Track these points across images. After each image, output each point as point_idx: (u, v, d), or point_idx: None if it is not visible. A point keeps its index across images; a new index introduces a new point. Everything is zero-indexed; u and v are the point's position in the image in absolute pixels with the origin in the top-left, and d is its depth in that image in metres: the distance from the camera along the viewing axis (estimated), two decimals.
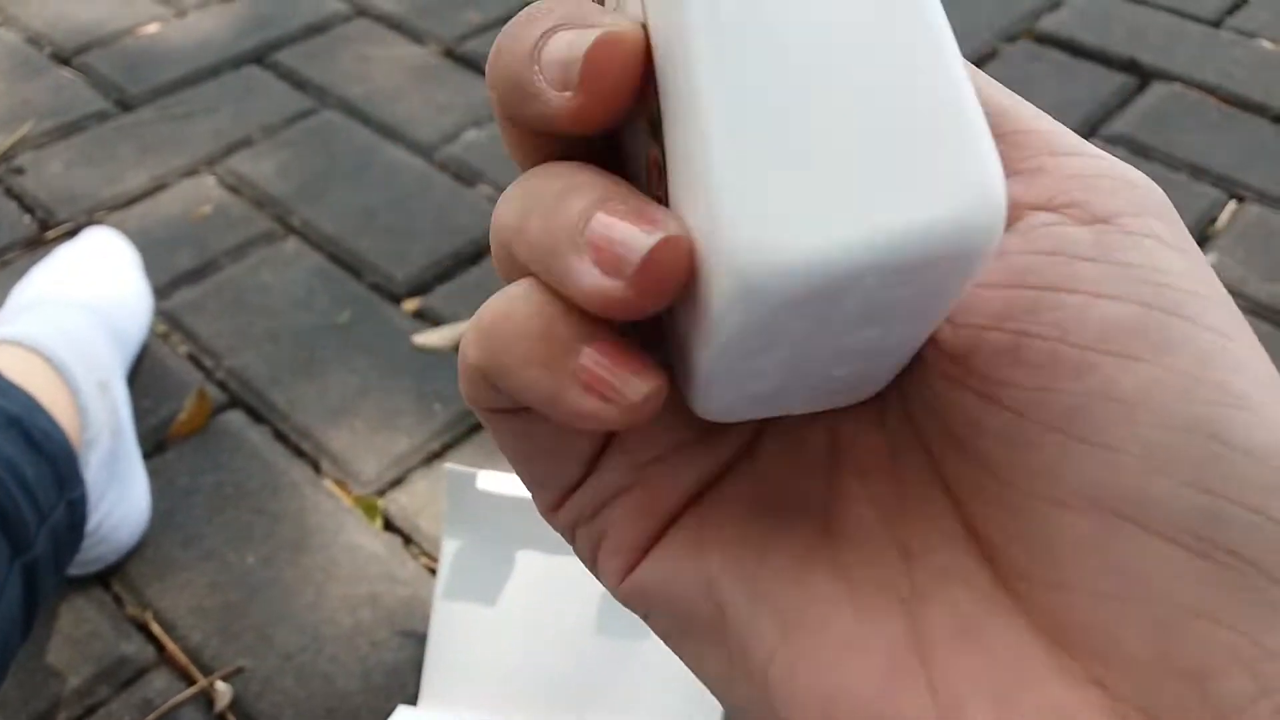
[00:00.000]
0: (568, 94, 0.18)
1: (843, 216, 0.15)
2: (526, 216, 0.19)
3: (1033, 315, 0.19)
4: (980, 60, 1.32)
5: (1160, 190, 0.20)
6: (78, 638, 0.74)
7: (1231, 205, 1.10)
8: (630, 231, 0.17)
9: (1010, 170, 0.20)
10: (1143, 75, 1.29)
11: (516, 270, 0.20)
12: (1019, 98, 0.21)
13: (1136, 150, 1.17)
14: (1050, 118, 0.21)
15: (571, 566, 0.67)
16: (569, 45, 0.18)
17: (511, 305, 0.19)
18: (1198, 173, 1.14)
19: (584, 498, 0.22)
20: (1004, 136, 0.20)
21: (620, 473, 0.22)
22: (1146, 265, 0.18)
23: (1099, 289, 0.18)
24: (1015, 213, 0.20)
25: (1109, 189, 0.19)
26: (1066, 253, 0.19)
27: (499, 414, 0.21)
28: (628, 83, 0.18)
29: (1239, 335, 0.18)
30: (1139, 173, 0.20)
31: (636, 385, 0.18)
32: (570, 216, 0.18)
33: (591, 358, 0.18)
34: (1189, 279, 0.18)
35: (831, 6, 0.16)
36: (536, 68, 0.18)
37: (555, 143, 0.20)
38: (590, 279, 0.17)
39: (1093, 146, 0.20)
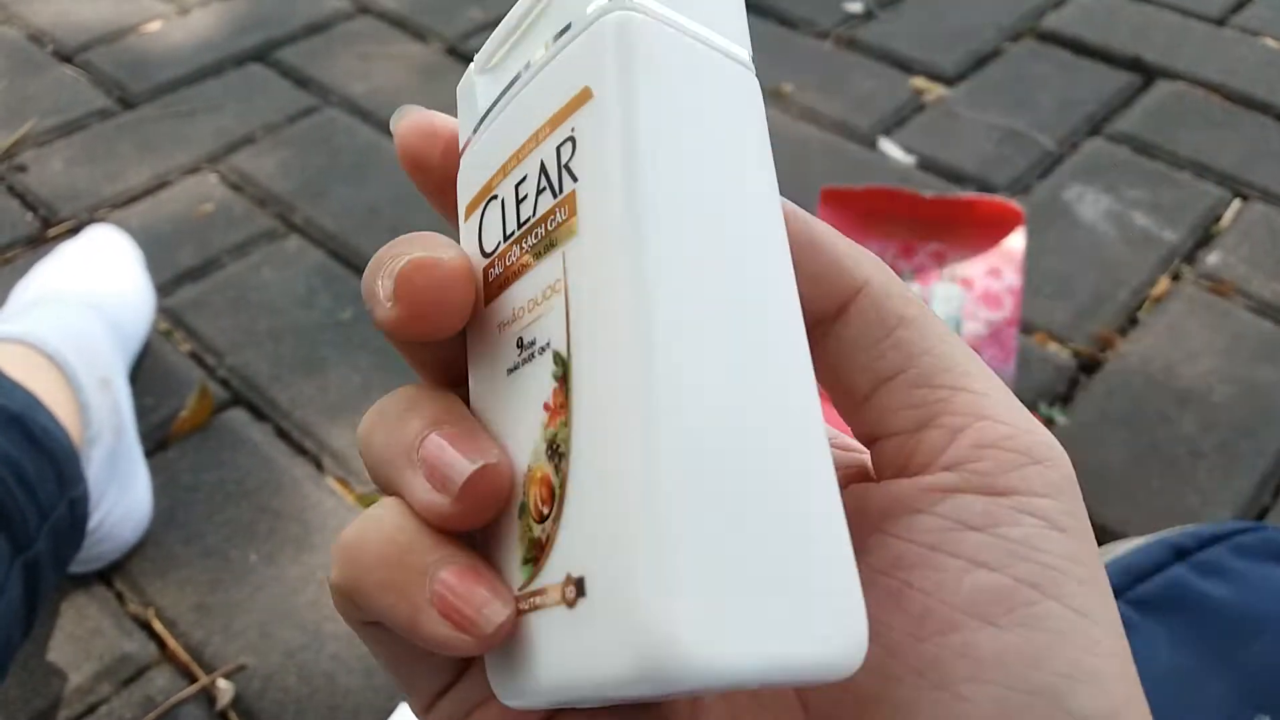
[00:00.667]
0: (388, 304, 0.21)
1: (744, 635, 0.18)
2: (373, 432, 0.22)
3: (918, 570, 0.21)
4: (983, 59, 1.32)
5: (1067, 465, 0.22)
6: (79, 635, 0.74)
7: (1236, 204, 1.10)
8: (455, 456, 0.20)
9: (936, 424, 0.22)
10: (1147, 74, 1.29)
11: (378, 479, 0.22)
12: (962, 351, 0.23)
13: (1140, 149, 1.17)
14: (989, 376, 0.23)
15: None
16: (393, 264, 0.21)
17: (367, 528, 0.21)
18: (1202, 171, 1.14)
19: (454, 703, 0.23)
20: (942, 391, 0.23)
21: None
22: (1026, 543, 0.21)
23: (978, 557, 0.21)
24: (928, 467, 0.22)
25: (1013, 464, 0.22)
26: (958, 519, 0.21)
27: (367, 625, 0.22)
28: (444, 303, 0.21)
29: (1101, 615, 0.20)
30: (1052, 447, 0.22)
31: (490, 615, 0.19)
32: (408, 436, 0.21)
33: (446, 585, 0.20)
34: (1064, 560, 0.21)
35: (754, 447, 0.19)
36: (378, 280, 0.21)
37: (427, 355, 0.23)
38: (423, 493, 0.20)
39: (1018, 413, 0.23)
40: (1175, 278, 1.02)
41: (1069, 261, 1.04)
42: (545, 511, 0.20)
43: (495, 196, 0.23)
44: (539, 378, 0.21)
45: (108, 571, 0.78)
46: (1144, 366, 0.93)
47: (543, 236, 0.21)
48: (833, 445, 0.25)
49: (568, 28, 0.21)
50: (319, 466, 0.86)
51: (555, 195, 0.21)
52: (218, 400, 0.90)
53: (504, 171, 0.23)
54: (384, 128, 1.21)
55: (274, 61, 1.32)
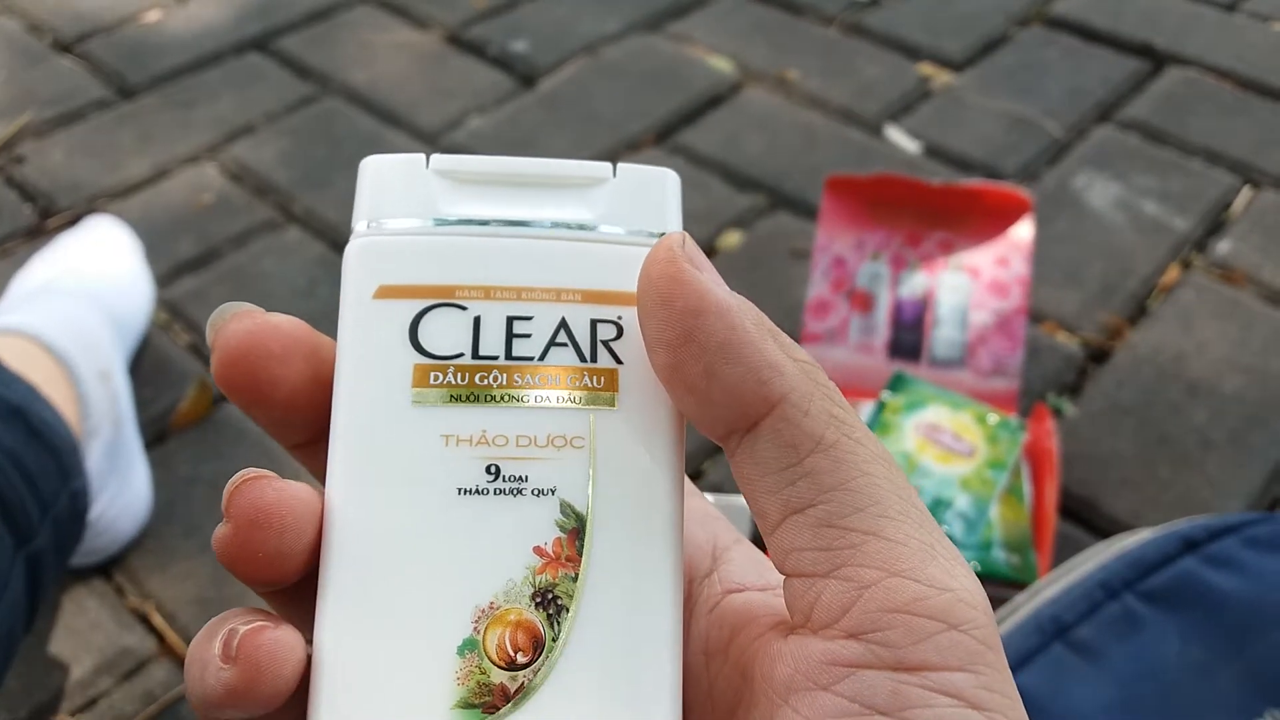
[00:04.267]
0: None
1: None
2: None
3: None
4: (991, 45, 1.30)
5: (990, 623, 0.21)
6: (79, 629, 0.73)
7: (1246, 191, 1.09)
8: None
9: (840, 574, 0.21)
10: (1157, 59, 1.27)
11: None
12: (888, 485, 0.21)
13: (1150, 136, 1.16)
14: (912, 516, 0.21)
15: None
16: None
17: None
18: (1213, 158, 1.12)
19: None
20: (851, 535, 0.21)
21: None
22: None
23: None
24: (829, 625, 0.21)
25: (925, 632, 0.20)
26: (863, 701, 0.20)
27: None
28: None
29: None
30: (973, 605, 0.21)
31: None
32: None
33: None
34: None
35: None
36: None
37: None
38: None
39: (937, 564, 0.21)
40: (1185, 266, 1.01)
41: (1078, 250, 1.02)
42: (522, 659, 0.20)
43: (461, 306, 0.23)
44: (528, 517, 0.21)
45: (107, 565, 0.77)
46: (1154, 356, 0.92)
47: (557, 385, 0.22)
48: (755, 589, 0.25)
49: (631, 229, 0.24)
50: None
51: (584, 360, 0.23)
52: (217, 393, 0.90)
53: (486, 293, 0.23)
54: (385, 117, 1.20)
55: (274, 50, 1.31)
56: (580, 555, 0.21)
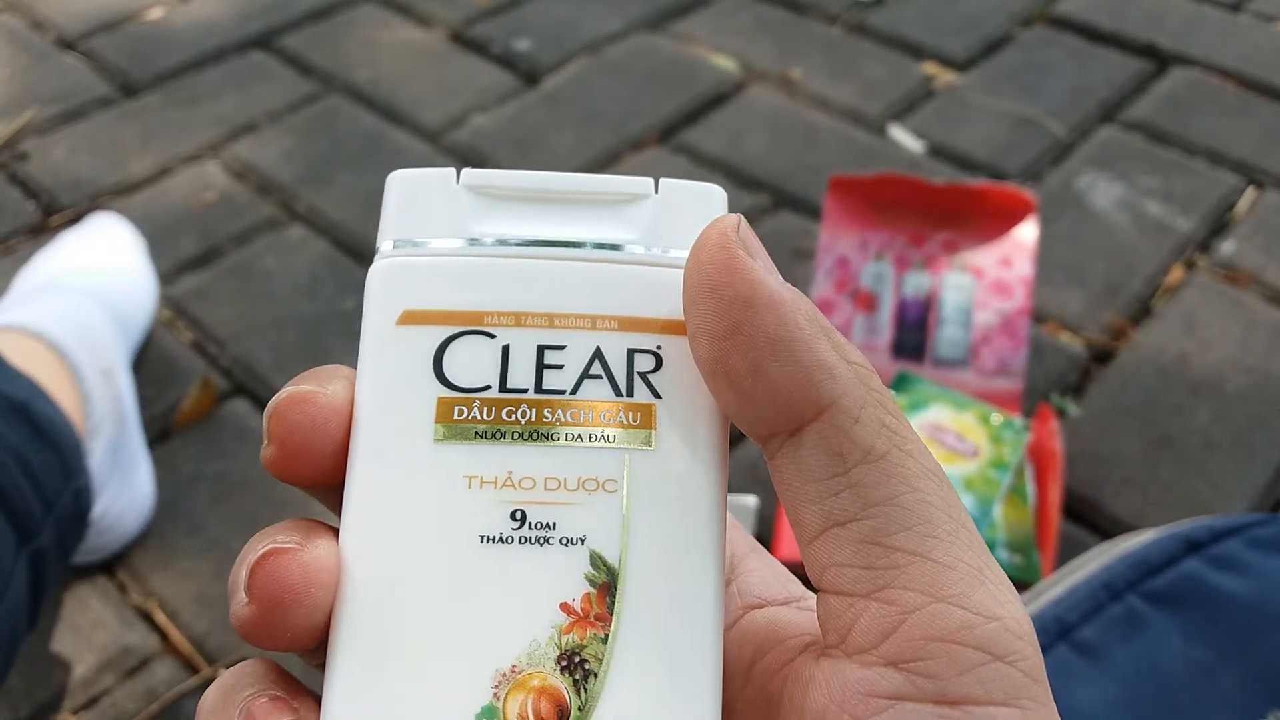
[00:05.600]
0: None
1: None
2: None
3: None
4: (995, 44, 1.30)
5: (1036, 654, 0.19)
6: (82, 626, 0.73)
7: (1250, 192, 1.09)
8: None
9: (883, 596, 0.20)
10: (1161, 60, 1.27)
11: None
12: (938, 502, 0.20)
13: (1154, 136, 1.15)
14: (961, 538, 0.20)
15: None
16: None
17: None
18: (1216, 159, 1.12)
19: None
20: (897, 556, 0.20)
21: None
22: None
23: None
24: (868, 650, 0.19)
25: (969, 664, 0.19)
26: None
27: None
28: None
29: None
30: (1020, 636, 0.19)
31: None
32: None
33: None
34: None
35: None
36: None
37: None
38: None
39: (986, 590, 0.20)
40: (1189, 267, 1.01)
41: (1081, 250, 1.02)
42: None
43: (489, 334, 0.22)
44: (555, 569, 0.20)
45: (110, 562, 0.77)
46: (1157, 356, 0.92)
47: (589, 422, 0.21)
48: (778, 604, 0.24)
49: (664, 250, 0.23)
50: None
51: (619, 395, 0.21)
52: (220, 390, 0.90)
53: (517, 319, 0.22)
54: (388, 115, 1.20)
55: (276, 48, 1.30)
56: (611, 614, 0.19)
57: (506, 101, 1.22)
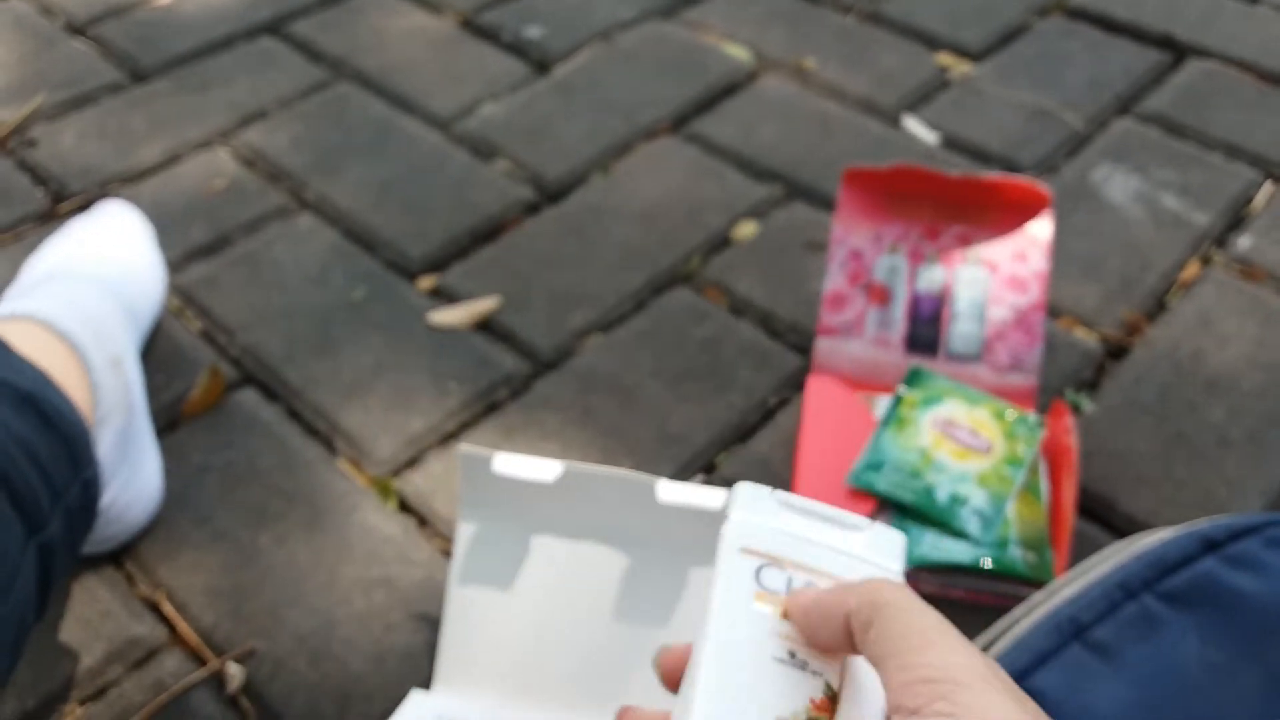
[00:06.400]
0: None
1: None
2: None
3: None
4: (1010, 35, 1.29)
5: None
6: (89, 617, 0.73)
7: (1268, 186, 1.07)
8: None
9: None
10: (1178, 51, 1.26)
11: None
12: (942, 634, 0.31)
13: (1171, 129, 1.14)
14: (968, 656, 0.30)
15: (588, 551, 0.66)
16: None
17: None
18: (1234, 152, 1.11)
19: None
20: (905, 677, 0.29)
21: None
22: None
23: None
24: None
25: None
26: None
27: None
28: None
29: None
30: None
31: None
32: None
33: None
34: None
35: None
36: None
37: None
38: None
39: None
40: (1205, 261, 1.00)
41: (1096, 244, 1.01)
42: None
43: (781, 567, 0.36)
44: (807, 684, 0.33)
45: (118, 553, 0.77)
46: (1172, 352, 0.91)
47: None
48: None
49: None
50: (331, 448, 0.84)
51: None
52: (229, 380, 0.89)
53: (796, 566, 0.36)
54: (398, 103, 1.19)
55: (286, 35, 1.30)
56: (833, 714, 0.33)
57: (517, 89, 1.21)
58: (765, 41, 1.28)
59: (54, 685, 0.70)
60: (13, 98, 1.19)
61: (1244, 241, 1.01)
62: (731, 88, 1.21)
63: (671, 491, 0.63)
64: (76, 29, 1.30)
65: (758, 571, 0.36)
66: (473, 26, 1.31)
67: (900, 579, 0.36)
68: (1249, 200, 1.06)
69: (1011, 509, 0.74)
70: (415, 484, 0.82)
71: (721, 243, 1.02)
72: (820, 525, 0.38)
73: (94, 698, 0.69)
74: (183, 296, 0.96)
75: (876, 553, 0.37)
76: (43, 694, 0.69)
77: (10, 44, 1.28)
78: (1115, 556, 0.60)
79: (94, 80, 1.22)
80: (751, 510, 0.38)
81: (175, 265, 0.99)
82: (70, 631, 0.72)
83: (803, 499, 0.39)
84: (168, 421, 0.86)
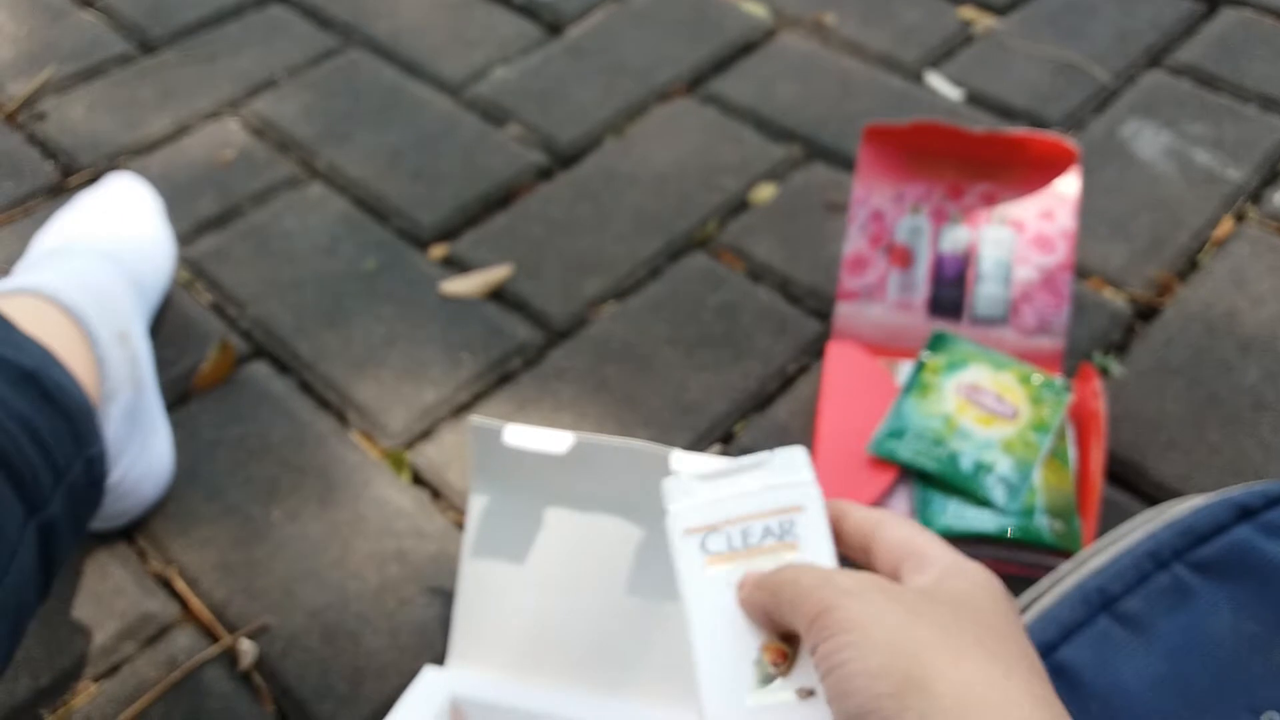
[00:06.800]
0: None
1: None
2: None
3: None
4: None
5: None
6: (101, 594, 0.73)
7: None
8: None
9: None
10: (1211, 0, 1.21)
11: None
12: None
13: (1203, 81, 1.10)
14: (855, 580, 0.37)
15: (602, 523, 0.64)
16: None
17: None
18: (1269, 104, 1.07)
19: None
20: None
21: None
22: None
23: None
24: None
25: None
26: None
27: None
28: None
29: None
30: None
31: None
32: None
33: None
34: None
35: None
36: None
37: None
38: None
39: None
40: (1239, 218, 0.97)
41: (1126, 202, 0.98)
42: (778, 668, 0.39)
43: (718, 530, 0.42)
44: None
45: (129, 529, 0.77)
46: (1205, 313, 0.88)
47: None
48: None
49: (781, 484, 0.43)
50: (343, 421, 0.83)
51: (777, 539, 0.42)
52: (239, 353, 0.88)
53: (727, 522, 0.42)
54: (408, 68, 1.17)
55: (295, 1, 1.28)
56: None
57: (529, 52, 1.18)
58: None
59: (67, 662, 0.69)
60: (22, 71, 1.18)
61: (1279, 197, 0.98)
62: (749, 46, 1.18)
63: (684, 462, 0.61)
64: (85, 1, 1.29)
65: (703, 543, 0.41)
66: None
67: (813, 486, 0.42)
68: None
69: (1038, 476, 0.72)
70: (428, 456, 0.80)
71: (739, 206, 1.00)
72: (733, 480, 0.42)
73: (107, 675, 0.69)
74: (192, 269, 0.95)
75: (785, 475, 0.42)
76: (56, 671, 0.69)
77: (19, 17, 1.26)
78: (1145, 525, 0.58)
79: (103, 52, 1.21)
80: (680, 498, 0.43)
81: (185, 237, 0.98)
82: (82, 608, 0.72)
83: (715, 466, 0.44)
84: (178, 396, 0.85)
